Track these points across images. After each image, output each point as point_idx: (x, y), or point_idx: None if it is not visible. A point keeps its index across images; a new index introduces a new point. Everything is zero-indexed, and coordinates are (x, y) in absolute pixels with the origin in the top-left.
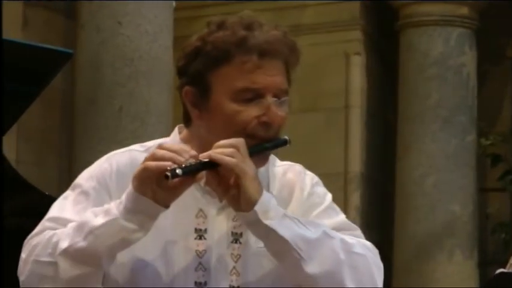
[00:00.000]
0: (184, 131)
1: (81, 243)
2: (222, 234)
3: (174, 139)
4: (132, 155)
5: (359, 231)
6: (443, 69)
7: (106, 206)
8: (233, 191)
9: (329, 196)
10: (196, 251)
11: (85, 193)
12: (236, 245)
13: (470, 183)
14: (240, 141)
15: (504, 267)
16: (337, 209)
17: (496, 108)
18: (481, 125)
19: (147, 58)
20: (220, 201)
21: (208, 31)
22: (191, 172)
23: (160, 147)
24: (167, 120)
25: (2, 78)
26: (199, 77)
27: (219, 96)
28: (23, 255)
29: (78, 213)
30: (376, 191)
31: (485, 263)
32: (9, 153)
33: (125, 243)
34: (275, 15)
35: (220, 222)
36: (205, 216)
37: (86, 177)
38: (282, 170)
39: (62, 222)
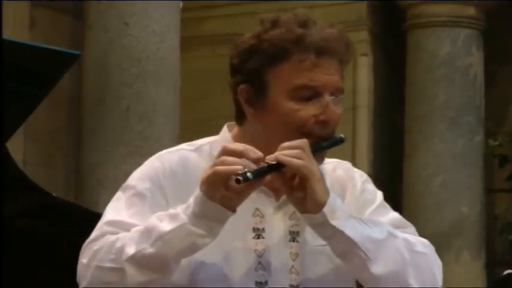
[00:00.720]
0: (235, 129)
1: (150, 250)
2: (279, 233)
3: (224, 137)
4: (181, 154)
5: (413, 228)
6: (450, 69)
7: (172, 211)
8: (298, 193)
9: (379, 193)
10: (255, 250)
11: (139, 195)
12: (294, 244)
13: (477, 184)
14: (304, 142)
15: None
16: (388, 207)
17: (503, 108)
18: (489, 125)
19: (154, 58)
20: (277, 200)
21: (262, 29)
22: (260, 175)
23: (225, 149)
24: (174, 120)
25: (3, 78)
26: (256, 75)
27: (276, 94)
28: (84, 260)
29: (134, 216)
30: (383, 191)
31: (493, 264)
32: (16, 154)
33: (193, 248)
34: None
35: (278, 221)
36: (262, 216)
37: (137, 178)
38: (331, 166)
39: (121, 225)
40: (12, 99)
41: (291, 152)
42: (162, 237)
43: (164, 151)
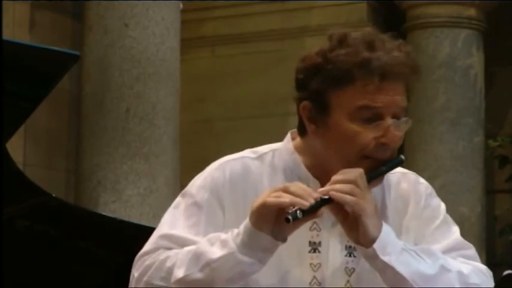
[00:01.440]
0: (298, 139)
1: (198, 275)
2: (336, 248)
3: (286, 145)
4: (244, 163)
5: (473, 250)
6: (450, 70)
7: (223, 236)
8: (353, 226)
9: (443, 208)
10: (310, 264)
11: (197, 205)
12: (350, 259)
13: (478, 185)
14: (358, 174)
15: None
16: (450, 221)
17: (503, 109)
18: (489, 126)
19: (154, 60)
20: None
21: (330, 46)
22: (311, 212)
23: (285, 189)
24: (174, 122)
25: (2, 78)
26: (319, 95)
27: (338, 116)
28: (135, 273)
29: (191, 228)
30: None
31: (493, 265)
32: (17, 156)
33: (242, 276)
34: (283, 17)
35: (335, 236)
36: (319, 229)
37: (198, 186)
38: (396, 178)
39: (176, 240)
40: (12, 100)
41: (343, 187)
42: (210, 264)
43: (227, 158)
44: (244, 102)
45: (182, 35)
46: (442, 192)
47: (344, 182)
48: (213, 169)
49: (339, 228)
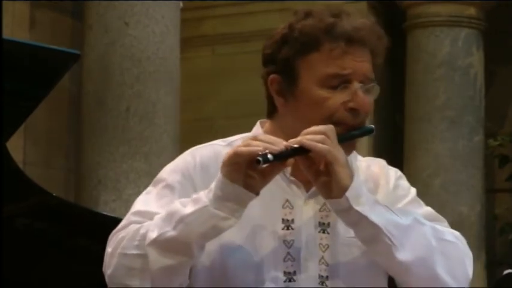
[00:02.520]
0: (267, 124)
1: (172, 232)
2: (309, 224)
3: (255, 131)
4: (214, 149)
5: (446, 223)
6: (450, 69)
7: (194, 196)
8: (323, 178)
9: (413, 190)
10: (284, 241)
11: (169, 187)
12: (324, 235)
13: (477, 184)
14: (329, 127)
15: None
16: (422, 202)
17: (503, 108)
18: (489, 125)
19: (154, 59)
20: (307, 191)
21: (295, 19)
22: (282, 158)
23: (254, 138)
24: (175, 120)
25: (2, 77)
26: (287, 64)
27: (307, 83)
28: (109, 249)
29: (163, 207)
30: None
31: (493, 264)
32: (17, 155)
33: (216, 230)
34: (282, 16)
35: (307, 212)
36: (292, 207)
37: (168, 171)
38: (366, 163)
39: (148, 215)
40: (12, 99)
41: (315, 136)
42: (183, 220)
43: (197, 146)
44: (245, 101)
45: (182, 34)
46: (441, 191)
47: (315, 133)
48: (184, 155)
49: (312, 205)
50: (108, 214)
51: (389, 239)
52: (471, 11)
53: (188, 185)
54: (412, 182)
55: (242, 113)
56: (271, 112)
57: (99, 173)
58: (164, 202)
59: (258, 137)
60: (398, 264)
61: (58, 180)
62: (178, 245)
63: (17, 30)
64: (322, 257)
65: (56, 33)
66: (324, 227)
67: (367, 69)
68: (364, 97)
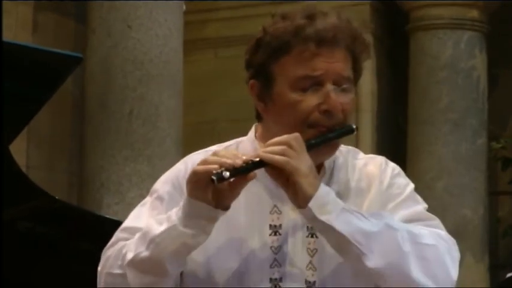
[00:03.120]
0: (259, 128)
1: (145, 253)
2: (297, 229)
3: (250, 136)
4: (207, 155)
5: (437, 221)
6: (453, 72)
7: (168, 213)
8: (292, 188)
9: (410, 187)
10: (271, 247)
11: (160, 198)
12: (312, 239)
13: (480, 187)
14: (294, 136)
15: None
16: (419, 199)
17: (506, 111)
18: (492, 128)
19: (157, 62)
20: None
21: (270, 22)
22: (241, 173)
23: (213, 153)
24: (178, 123)
25: (5, 80)
26: (263, 69)
27: (281, 87)
28: (99, 267)
29: (154, 218)
30: None
31: (496, 267)
32: (20, 158)
33: (187, 248)
34: None
35: (296, 217)
36: (280, 212)
37: (162, 181)
38: (363, 162)
39: (134, 231)
40: (15, 102)
41: (273, 148)
42: (154, 240)
43: (192, 153)
44: (247, 104)
45: (185, 37)
46: (444, 193)
47: (276, 144)
48: (178, 163)
49: (299, 210)
50: (111, 217)
51: (357, 248)
52: (474, 13)
53: (177, 194)
54: (415, 184)
55: (245, 115)
56: (258, 116)
57: (102, 176)
58: (155, 214)
59: (218, 153)
60: (370, 271)
61: (61, 184)
62: (152, 264)
63: (20, 33)
64: (310, 262)
65: (59, 37)
66: (312, 231)
67: (341, 69)
68: (338, 98)
